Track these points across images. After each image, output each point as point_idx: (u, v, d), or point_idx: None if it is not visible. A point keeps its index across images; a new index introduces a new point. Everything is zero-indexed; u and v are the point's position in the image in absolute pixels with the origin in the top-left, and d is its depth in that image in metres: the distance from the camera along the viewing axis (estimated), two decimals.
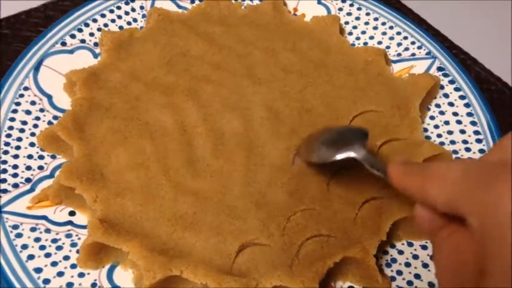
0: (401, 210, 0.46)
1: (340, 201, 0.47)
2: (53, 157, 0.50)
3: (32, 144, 0.50)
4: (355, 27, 0.64)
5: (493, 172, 0.27)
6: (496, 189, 0.26)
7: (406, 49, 0.61)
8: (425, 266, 0.46)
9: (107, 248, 0.43)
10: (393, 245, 0.47)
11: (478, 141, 0.53)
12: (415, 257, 0.46)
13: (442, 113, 0.56)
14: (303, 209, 0.46)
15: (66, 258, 0.43)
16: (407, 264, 0.46)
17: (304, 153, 0.49)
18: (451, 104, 0.56)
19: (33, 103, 0.53)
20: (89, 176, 0.46)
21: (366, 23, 0.64)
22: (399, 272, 0.45)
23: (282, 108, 0.53)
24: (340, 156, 0.44)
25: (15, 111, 0.51)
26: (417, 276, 0.45)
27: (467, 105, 0.56)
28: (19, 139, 0.50)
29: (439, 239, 0.31)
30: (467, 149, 0.53)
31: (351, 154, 0.43)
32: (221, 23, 0.61)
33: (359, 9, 0.65)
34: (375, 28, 0.63)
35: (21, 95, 0.53)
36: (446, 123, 0.55)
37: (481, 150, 0.52)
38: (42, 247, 0.43)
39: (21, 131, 0.50)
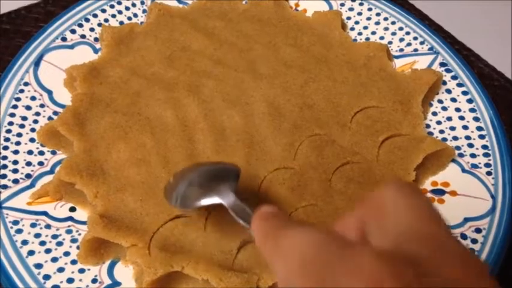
0: None
1: (342, 197, 0.47)
2: (53, 153, 0.50)
3: (32, 140, 0.50)
4: (357, 23, 0.63)
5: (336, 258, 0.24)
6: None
7: (409, 44, 0.61)
8: None
9: (107, 244, 0.43)
10: None
11: (481, 137, 0.53)
12: None
13: (444, 108, 0.56)
14: (305, 205, 0.46)
15: (67, 254, 0.43)
16: None
17: (167, 195, 0.43)
18: (453, 100, 0.56)
19: (33, 98, 0.52)
20: (89, 172, 0.46)
21: (368, 18, 0.63)
22: None
23: (283, 104, 0.53)
24: (204, 202, 0.39)
25: (15, 106, 0.51)
26: None
27: (469, 100, 0.56)
28: (19, 135, 0.50)
29: None
30: (470, 145, 0.52)
31: (216, 200, 0.39)
32: (222, 18, 0.61)
33: (361, 4, 0.64)
34: (377, 23, 0.63)
35: (22, 91, 0.52)
36: (449, 119, 0.55)
37: (484, 146, 0.52)
38: (43, 243, 0.43)
39: (21, 126, 0.50)
